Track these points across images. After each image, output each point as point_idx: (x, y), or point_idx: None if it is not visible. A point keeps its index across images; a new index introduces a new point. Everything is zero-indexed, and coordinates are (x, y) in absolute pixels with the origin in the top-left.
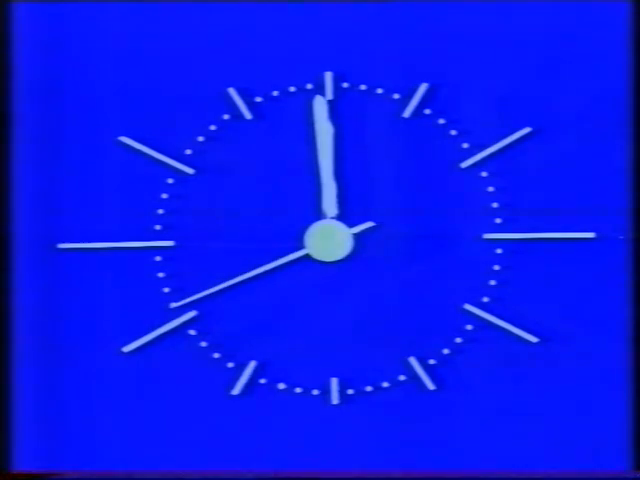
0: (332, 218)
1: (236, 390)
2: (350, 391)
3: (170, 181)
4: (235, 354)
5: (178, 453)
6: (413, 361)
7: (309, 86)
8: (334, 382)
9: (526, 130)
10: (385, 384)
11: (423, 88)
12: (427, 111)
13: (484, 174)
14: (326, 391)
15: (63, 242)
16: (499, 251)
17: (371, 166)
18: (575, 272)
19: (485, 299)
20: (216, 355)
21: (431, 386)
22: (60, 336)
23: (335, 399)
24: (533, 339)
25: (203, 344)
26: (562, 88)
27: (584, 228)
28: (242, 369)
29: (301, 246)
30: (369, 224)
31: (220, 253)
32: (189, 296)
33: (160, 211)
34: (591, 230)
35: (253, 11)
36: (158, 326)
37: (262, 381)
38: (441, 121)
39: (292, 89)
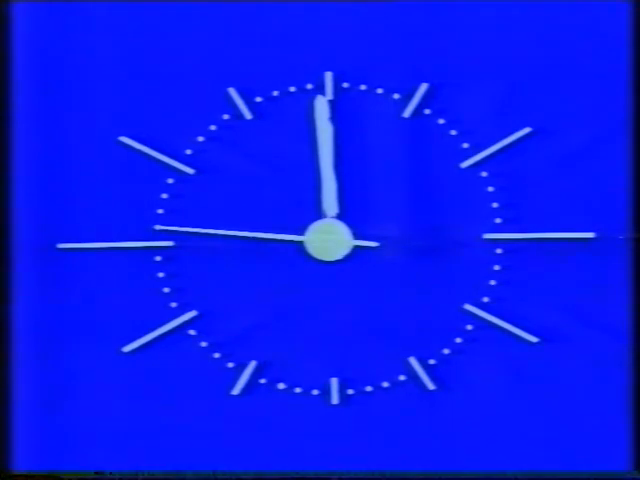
0: (332, 217)
1: (236, 390)
2: (350, 391)
3: (170, 181)
4: (235, 354)
5: (178, 453)
6: (413, 361)
7: (309, 86)
8: (334, 382)
9: (526, 130)
10: (385, 384)
11: (423, 88)
12: (427, 111)
13: (484, 174)
14: (326, 391)
15: (63, 242)
16: (499, 251)
17: (371, 166)
18: (575, 272)
19: (485, 299)
20: (216, 355)
21: (431, 386)
22: (60, 336)
23: (335, 399)
24: (533, 339)
25: (203, 344)
26: (562, 88)
27: (584, 228)
28: (242, 369)
29: (301, 246)
30: (373, 243)
31: (220, 253)
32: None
33: (160, 211)
34: (591, 230)
35: (253, 11)
36: (158, 326)
37: (262, 381)
38: (441, 121)
39: (292, 89)
